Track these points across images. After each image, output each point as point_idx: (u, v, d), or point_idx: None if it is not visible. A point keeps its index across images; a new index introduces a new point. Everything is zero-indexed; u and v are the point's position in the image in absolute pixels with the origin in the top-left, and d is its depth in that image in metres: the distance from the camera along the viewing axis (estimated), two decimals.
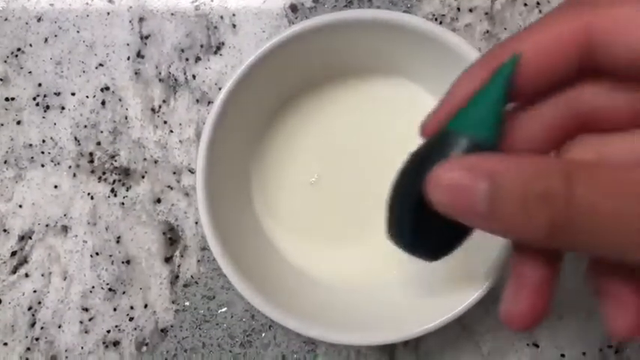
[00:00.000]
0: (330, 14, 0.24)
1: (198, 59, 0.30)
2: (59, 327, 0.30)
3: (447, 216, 0.16)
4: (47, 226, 0.30)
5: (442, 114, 0.18)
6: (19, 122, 0.31)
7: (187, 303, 0.30)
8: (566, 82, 0.17)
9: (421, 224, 0.18)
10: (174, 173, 0.30)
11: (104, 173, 0.30)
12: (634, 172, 0.15)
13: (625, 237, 0.15)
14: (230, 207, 0.26)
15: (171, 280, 0.30)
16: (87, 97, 0.31)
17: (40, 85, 0.31)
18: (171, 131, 0.30)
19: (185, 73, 0.30)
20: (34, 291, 0.30)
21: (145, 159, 0.30)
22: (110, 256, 0.30)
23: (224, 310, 0.30)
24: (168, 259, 0.30)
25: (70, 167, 0.30)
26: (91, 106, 0.31)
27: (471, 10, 0.30)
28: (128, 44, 0.31)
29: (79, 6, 0.31)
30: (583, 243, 0.15)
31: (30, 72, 0.31)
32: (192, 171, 0.30)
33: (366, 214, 0.28)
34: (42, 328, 0.30)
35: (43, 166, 0.31)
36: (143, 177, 0.30)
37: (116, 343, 0.30)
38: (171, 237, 0.30)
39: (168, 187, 0.30)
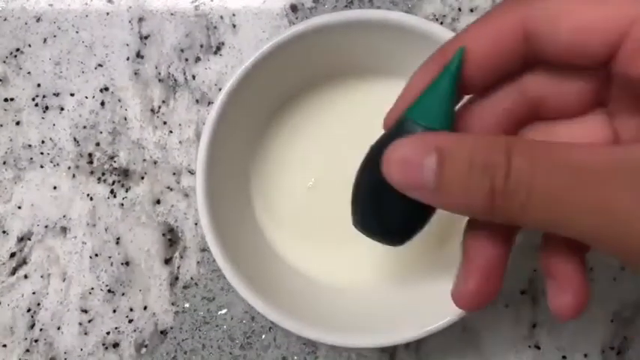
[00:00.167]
0: (330, 14, 0.24)
1: (197, 59, 0.30)
2: (58, 328, 0.30)
3: (402, 194, 0.17)
4: (46, 227, 0.30)
5: (401, 107, 0.19)
6: (18, 123, 0.31)
7: (187, 305, 0.30)
8: (513, 72, 0.18)
9: (382, 209, 0.19)
10: (174, 174, 0.30)
11: (103, 174, 0.30)
12: (572, 149, 0.15)
13: (558, 211, 0.15)
14: (230, 208, 0.26)
15: (170, 281, 0.30)
16: (86, 97, 0.31)
17: (39, 85, 0.31)
18: (171, 132, 0.30)
19: (185, 74, 0.30)
20: (33, 292, 0.30)
21: (144, 160, 0.30)
22: (109, 257, 0.30)
23: (224, 311, 0.30)
24: (167, 261, 0.30)
25: (69, 168, 0.30)
26: (91, 107, 0.30)
27: (472, 11, 0.30)
28: (127, 44, 0.31)
29: (78, 6, 0.31)
30: (520, 215, 0.16)
31: (29, 72, 0.31)
32: (191, 172, 0.30)
33: None
34: (41, 329, 0.30)
35: (42, 166, 0.30)
36: (142, 178, 0.30)
37: (115, 345, 0.30)
38: (171, 238, 0.30)
39: (168, 188, 0.30)
